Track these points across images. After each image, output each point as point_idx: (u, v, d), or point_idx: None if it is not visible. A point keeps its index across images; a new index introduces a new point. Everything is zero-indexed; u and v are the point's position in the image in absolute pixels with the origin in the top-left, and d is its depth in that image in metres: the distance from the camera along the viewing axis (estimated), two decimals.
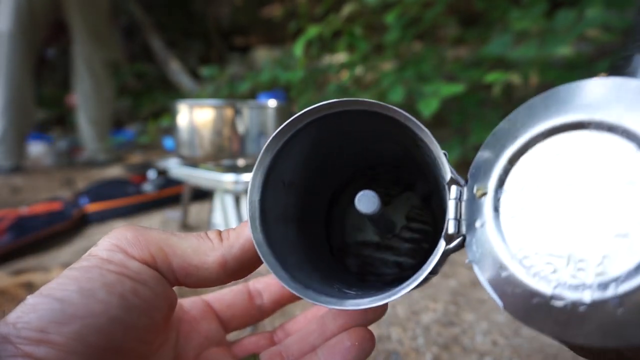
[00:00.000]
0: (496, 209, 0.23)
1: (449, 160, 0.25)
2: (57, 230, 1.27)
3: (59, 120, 3.76)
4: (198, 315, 0.32)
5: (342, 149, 0.34)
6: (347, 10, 1.82)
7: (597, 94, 0.21)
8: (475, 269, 0.23)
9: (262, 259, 0.27)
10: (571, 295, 0.19)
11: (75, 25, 2.33)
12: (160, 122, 2.89)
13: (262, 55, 3.70)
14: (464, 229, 0.24)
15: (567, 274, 0.20)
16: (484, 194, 0.24)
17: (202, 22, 4.69)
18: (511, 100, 1.53)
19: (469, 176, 0.25)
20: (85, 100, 2.43)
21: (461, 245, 0.25)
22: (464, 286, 0.88)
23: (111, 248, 0.25)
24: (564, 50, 1.19)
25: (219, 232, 0.28)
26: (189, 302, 0.33)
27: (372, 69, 1.87)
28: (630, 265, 0.18)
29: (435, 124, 1.73)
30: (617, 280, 0.18)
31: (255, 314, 0.34)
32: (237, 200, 1.04)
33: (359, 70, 1.87)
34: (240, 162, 1.02)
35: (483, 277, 0.23)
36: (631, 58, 0.25)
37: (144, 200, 1.51)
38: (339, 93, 1.78)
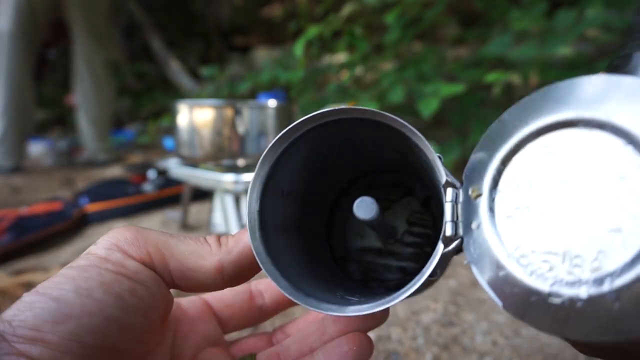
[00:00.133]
0: (491, 209, 0.23)
1: (444, 163, 0.25)
2: (57, 230, 1.27)
3: (59, 120, 3.77)
4: (196, 314, 0.32)
5: (341, 155, 0.34)
6: (347, 10, 1.82)
7: (588, 91, 0.21)
8: (474, 269, 0.23)
9: (261, 267, 0.26)
10: (568, 292, 0.19)
11: (75, 25, 2.33)
12: (160, 122, 2.88)
13: (262, 55, 3.71)
14: (461, 231, 0.25)
15: (564, 270, 0.20)
16: (479, 195, 0.24)
17: (202, 22, 4.69)
18: (511, 101, 1.51)
19: (463, 178, 0.25)
20: (85, 100, 2.43)
21: (460, 247, 0.25)
22: (464, 286, 0.88)
23: (110, 247, 0.25)
24: (564, 50, 1.19)
25: (218, 238, 0.28)
26: (187, 301, 0.33)
27: (372, 69, 1.87)
28: (625, 259, 0.18)
29: (435, 124, 1.73)
30: (613, 274, 0.18)
31: (256, 315, 0.34)
32: (237, 200, 1.04)
33: (359, 70, 1.87)
34: (240, 162, 1.01)
35: (481, 277, 0.23)
36: (630, 56, 0.25)
37: (144, 200, 1.51)
38: (339, 93, 1.78)
